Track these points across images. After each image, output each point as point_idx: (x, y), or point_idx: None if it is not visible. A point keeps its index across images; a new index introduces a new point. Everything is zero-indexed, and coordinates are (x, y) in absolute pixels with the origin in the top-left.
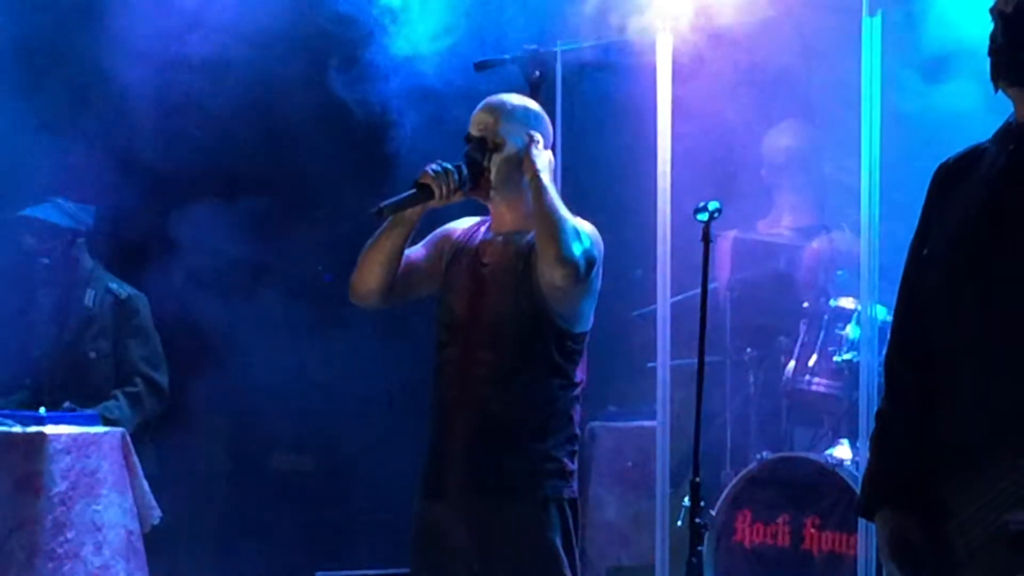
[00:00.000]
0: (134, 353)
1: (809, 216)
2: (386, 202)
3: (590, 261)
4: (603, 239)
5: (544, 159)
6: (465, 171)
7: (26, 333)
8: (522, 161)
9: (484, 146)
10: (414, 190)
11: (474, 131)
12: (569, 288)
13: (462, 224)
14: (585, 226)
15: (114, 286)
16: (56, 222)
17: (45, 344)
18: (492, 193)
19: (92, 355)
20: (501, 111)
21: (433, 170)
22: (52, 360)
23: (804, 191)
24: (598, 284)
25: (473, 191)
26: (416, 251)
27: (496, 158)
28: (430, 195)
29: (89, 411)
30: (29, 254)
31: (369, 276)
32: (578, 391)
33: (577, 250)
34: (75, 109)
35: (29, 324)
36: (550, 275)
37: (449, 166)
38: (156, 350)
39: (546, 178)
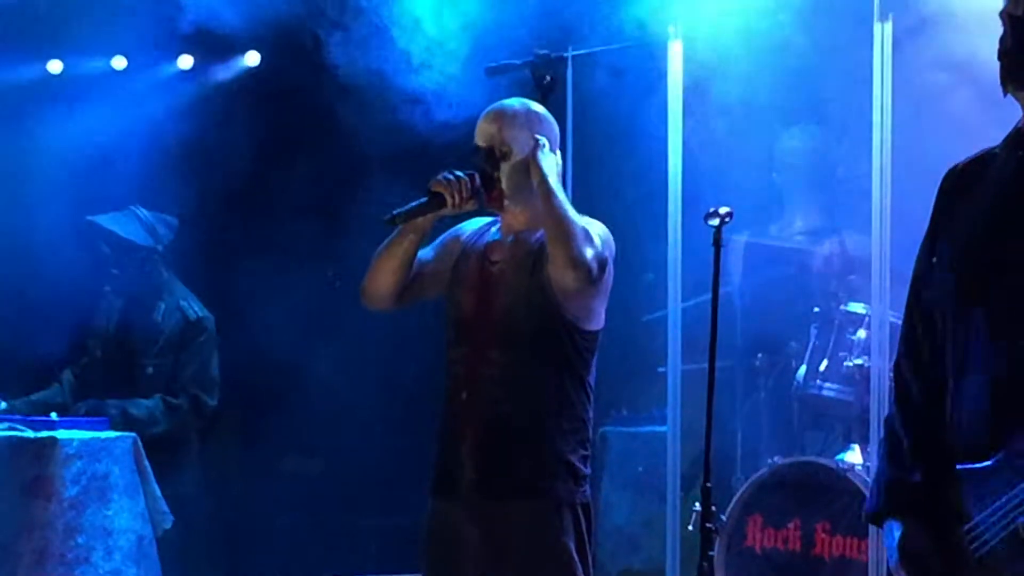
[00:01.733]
0: (187, 371)
1: (820, 220)
2: (399, 210)
3: (602, 263)
4: (614, 243)
5: (550, 162)
6: (478, 181)
7: (91, 329)
8: (529, 166)
9: (492, 156)
10: (426, 198)
11: (480, 142)
12: (582, 290)
13: (472, 224)
14: (596, 226)
15: (185, 304)
16: (132, 239)
17: (106, 343)
18: (506, 203)
19: (150, 370)
20: (504, 118)
21: (445, 178)
22: (109, 362)
23: (815, 194)
24: (610, 283)
25: (488, 203)
26: (426, 253)
27: (505, 167)
28: (442, 203)
29: (114, 403)
30: (103, 262)
31: (381, 281)
32: (590, 392)
33: (588, 253)
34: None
35: (96, 314)
36: (562, 278)
37: (462, 174)
38: (210, 373)
39: (554, 181)
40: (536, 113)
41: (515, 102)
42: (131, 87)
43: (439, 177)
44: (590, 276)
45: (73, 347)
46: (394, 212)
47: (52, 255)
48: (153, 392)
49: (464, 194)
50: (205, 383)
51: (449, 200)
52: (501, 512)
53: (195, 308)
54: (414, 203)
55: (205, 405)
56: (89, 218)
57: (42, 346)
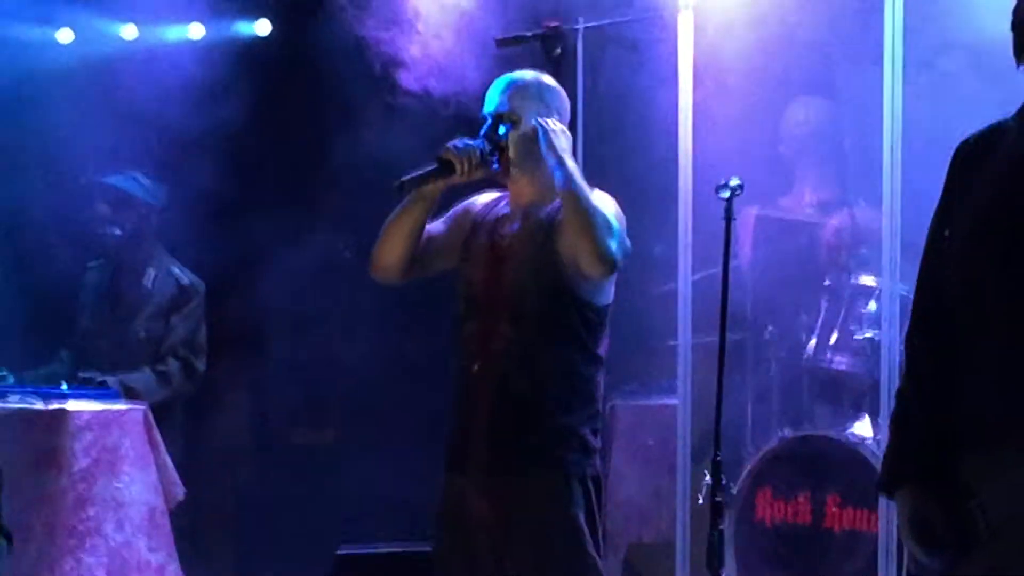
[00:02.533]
0: (177, 334)
1: (830, 192)
2: (407, 176)
3: (626, 252)
4: (625, 216)
5: (563, 141)
6: (486, 148)
7: (78, 298)
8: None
9: (501, 123)
10: (436, 165)
11: (490, 109)
12: (602, 279)
13: (483, 198)
14: (610, 206)
15: (176, 270)
16: (133, 192)
17: (95, 314)
18: (512, 171)
19: (142, 334)
20: (515, 87)
21: (455, 146)
22: (100, 332)
23: (824, 167)
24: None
25: (496, 174)
26: (436, 225)
27: (513, 134)
28: (452, 171)
29: (110, 377)
30: (100, 222)
31: (390, 251)
32: (600, 365)
33: (613, 245)
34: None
35: (83, 289)
36: (586, 268)
37: (471, 143)
38: (199, 338)
39: (571, 164)
40: (547, 85)
41: (527, 73)
42: (142, 55)
43: (448, 145)
44: (615, 268)
45: (67, 325)
46: (403, 179)
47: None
48: (144, 355)
49: (473, 162)
50: (194, 347)
51: (458, 167)
52: (512, 484)
53: (186, 274)
54: (423, 170)
55: (195, 370)
56: (99, 180)
57: (38, 327)
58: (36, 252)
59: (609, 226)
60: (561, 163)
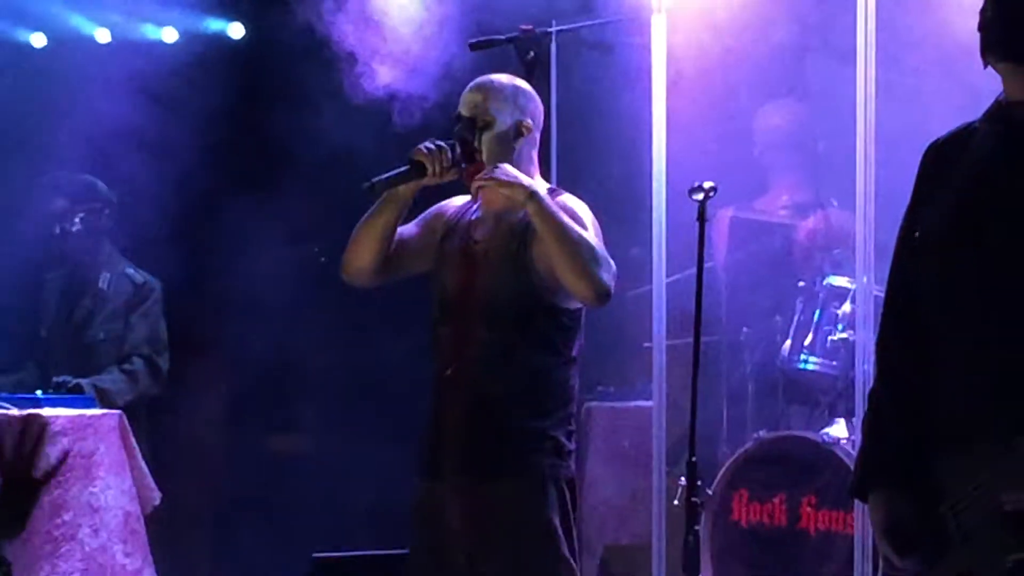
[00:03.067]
0: (138, 334)
1: (805, 194)
2: (378, 178)
3: (614, 276)
4: (599, 219)
5: (523, 178)
6: (458, 150)
7: (37, 310)
8: (512, 142)
9: (473, 124)
10: (407, 167)
11: (463, 111)
12: (592, 305)
13: (455, 202)
14: (586, 215)
15: (131, 271)
16: (90, 186)
17: (54, 323)
18: (484, 172)
19: (101, 336)
20: (490, 90)
21: (426, 147)
22: (59, 339)
23: (799, 169)
24: None
25: (468, 175)
26: (408, 228)
27: (486, 136)
28: (423, 172)
29: (82, 380)
30: (59, 217)
31: (362, 253)
32: (574, 368)
33: (606, 276)
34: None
35: (41, 301)
36: (581, 301)
37: (443, 144)
38: (160, 335)
39: (545, 202)
40: (521, 88)
41: (503, 77)
42: (112, 59)
43: (420, 146)
44: (610, 296)
45: (29, 335)
46: (373, 180)
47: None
48: (107, 357)
49: (444, 163)
50: (156, 345)
51: (429, 169)
52: (486, 488)
53: (141, 274)
54: (394, 171)
55: (159, 368)
56: (59, 173)
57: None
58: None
59: (597, 256)
60: (535, 201)
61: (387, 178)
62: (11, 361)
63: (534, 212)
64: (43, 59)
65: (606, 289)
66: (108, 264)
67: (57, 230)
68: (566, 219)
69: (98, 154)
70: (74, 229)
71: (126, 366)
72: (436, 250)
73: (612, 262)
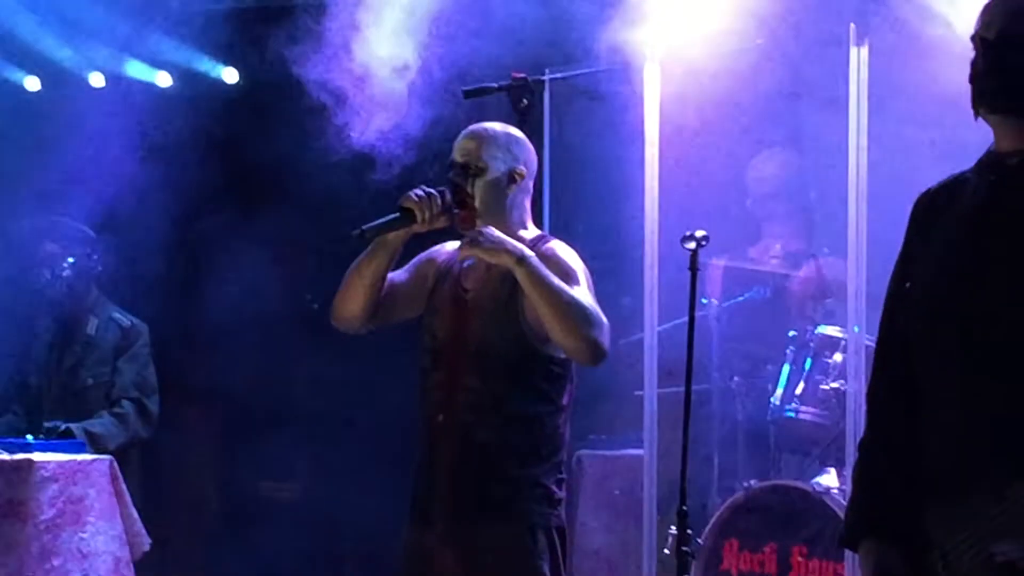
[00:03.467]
0: (126, 377)
1: (798, 243)
2: (368, 225)
3: (607, 333)
4: (590, 266)
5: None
6: (449, 196)
7: (24, 354)
8: (505, 189)
9: (466, 171)
10: (397, 214)
11: (457, 157)
12: (589, 364)
13: (446, 247)
14: (574, 263)
15: (117, 315)
16: (80, 230)
17: (44, 369)
18: (478, 221)
19: (89, 381)
20: (484, 137)
21: (416, 195)
22: (49, 385)
23: (791, 218)
24: None
25: (460, 222)
26: (399, 274)
27: (479, 182)
28: (413, 219)
29: (73, 425)
30: (50, 261)
31: (352, 300)
32: (564, 416)
33: (600, 336)
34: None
35: (29, 347)
36: (577, 361)
37: (433, 191)
38: (149, 378)
39: (533, 264)
40: (515, 137)
41: (496, 125)
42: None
43: (410, 193)
44: (606, 355)
45: (16, 385)
46: (363, 227)
47: None
48: (96, 402)
49: (434, 210)
50: (144, 388)
51: (419, 215)
52: (476, 536)
53: (128, 317)
54: (384, 219)
55: (148, 411)
56: (51, 218)
57: None
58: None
59: (589, 318)
60: (523, 266)
61: (377, 225)
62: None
63: (523, 278)
64: (37, 102)
65: (602, 350)
66: (96, 308)
67: (48, 275)
68: (556, 282)
69: (90, 197)
70: (64, 274)
71: (116, 410)
72: (427, 297)
73: (604, 318)
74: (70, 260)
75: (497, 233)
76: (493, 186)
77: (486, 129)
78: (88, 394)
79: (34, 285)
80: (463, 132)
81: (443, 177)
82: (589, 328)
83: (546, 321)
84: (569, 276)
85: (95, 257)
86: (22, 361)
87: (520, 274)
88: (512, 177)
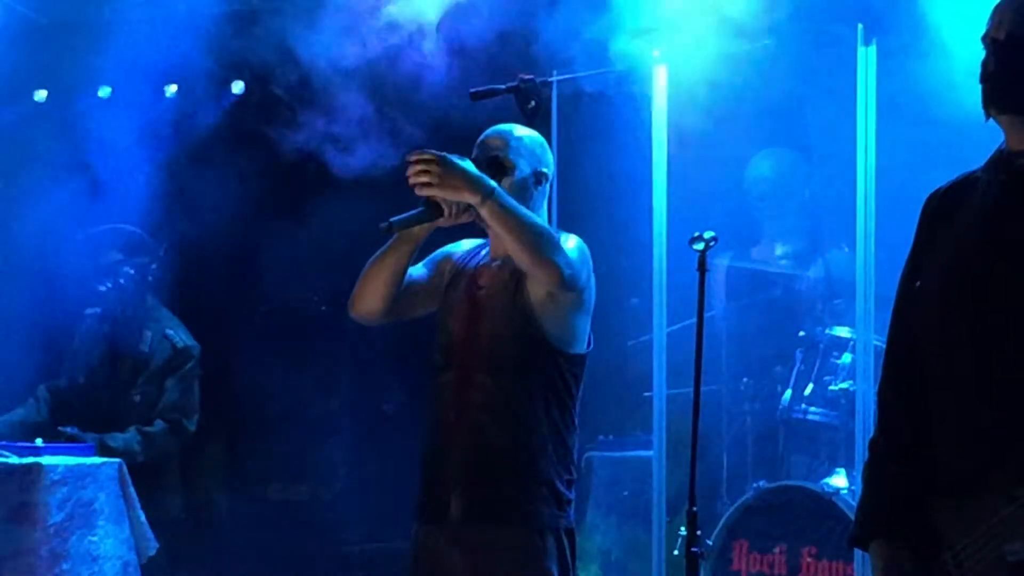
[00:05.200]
0: (170, 397)
1: (802, 243)
2: (395, 218)
3: (577, 267)
4: (599, 268)
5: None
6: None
7: (71, 350)
8: (531, 189)
9: (497, 164)
10: (423, 208)
11: (485, 153)
12: (556, 298)
13: (463, 246)
14: (571, 239)
15: (172, 332)
16: (143, 238)
17: (92, 376)
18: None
19: (137, 399)
20: (511, 137)
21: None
22: (95, 394)
23: (792, 218)
24: (591, 302)
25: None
26: (417, 269)
27: (505, 181)
28: (439, 213)
29: (91, 436)
30: (113, 268)
31: (372, 292)
32: (575, 417)
33: (559, 257)
34: None
35: (77, 342)
36: (533, 287)
37: None
38: (192, 400)
39: (499, 195)
40: (539, 142)
41: (520, 127)
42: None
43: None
44: (564, 278)
45: (48, 363)
46: (391, 220)
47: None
48: (140, 419)
49: (461, 205)
50: (187, 409)
51: (446, 210)
52: (485, 537)
53: (182, 336)
54: (411, 212)
55: (184, 429)
56: (115, 226)
57: (13, 360)
58: (32, 299)
59: (554, 242)
60: (489, 199)
61: (404, 218)
62: (18, 394)
63: (488, 214)
64: (45, 113)
65: (566, 272)
66: (150, 320)
67: (109, 283)
68: (523, 210)
69: (101, 208)
70: (123, 282)
71: (146, 428)
72: (442, 293)
73: (579, 263)
74: (130, 270)
75: (460, 165)
76: (519, 185)
77: (513, 130)
78: (133, 411)
79: (94, 292)
80: (488, 131)
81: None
82: (553, 250)
83: (509, 247)
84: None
85: (153, 267)
86: (63, 354)
87: (485, 211)
88: (537, 178)
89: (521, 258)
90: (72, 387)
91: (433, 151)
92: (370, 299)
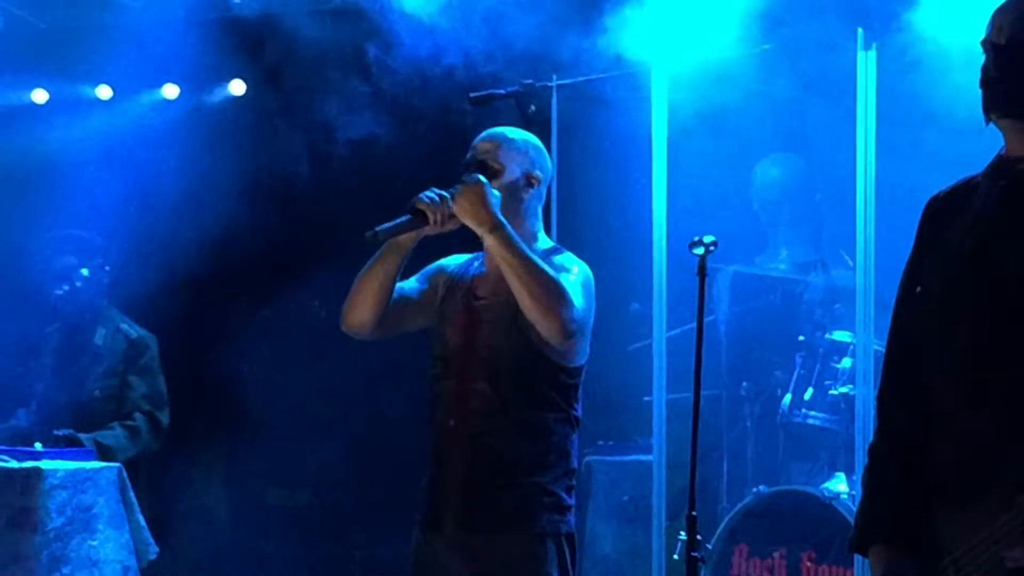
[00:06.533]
0: (137, 391)
1: (805, 249)
2: (381, 227)
3: (583, 318)
4: (599, 273)
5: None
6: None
7: (34, 365)
8: (520, 192)
9: (484, 169)
10: (409, 216)
11: (475, 157)
12: (562, 348)
13: (456, 259)
14: (572, 271)
15: (125, 326)
16: (95, 242)
17: (51, 378)
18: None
19: (97, 393)
20: (502, 139)
21: (428, 197)
22: (56, 396)
23: (797, 224)
24: (591, 321)
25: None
26: (409, 283)
27: (495, 183)
28: (424, 221)
29: (83, 435)
30: (67, 273)
31: (362, 304)
32: (575, 423)
33: (565, 312)
34: None
35: (38, 356)
36: (545, 338)
37: (444, 192)
38: (160, 389)
39: (517, 245)
40: (534, 144)
41: (515, 129)
42: (116, 116)
43: (421, 195)
44: (571, 336)
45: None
46: (376, 229)
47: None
48: (104, 415)
49: (446, 212)
50: (157, 401)
51: (431, 217)
52: (485, 544)
53: (135, 329)
54: (396, 220)
55: (160, 424)
56: (68, 231)
57: None
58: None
59: (560, 292)
60: (501, 229)
61: (389, 227)
62: (1, 409)
63: (493, 245)
64: (44, 115)
65: (569, 328)
66: (103, 319)
67: (66, 286)
68: (529, 253)
69: (97, 209)
70: (79, 285)
71: (128, 423)
72: (437, 307)
73: (577, 302)
74: (84, 272)
75: (483, 192)
76: (509, 188)
77: (505, 132)
78: (95, 406)
79: (49, 297)
80: (482, 134)
81: (458, 178)
82: (558, 303)
83: (515, 292)
84: (566, 270)
85: (106, 268)
86: (29, 369)
87: (491, 241)
88: (528, 181)
89: (524, 305)
90: (40, 395)
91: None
92: (360, 311)
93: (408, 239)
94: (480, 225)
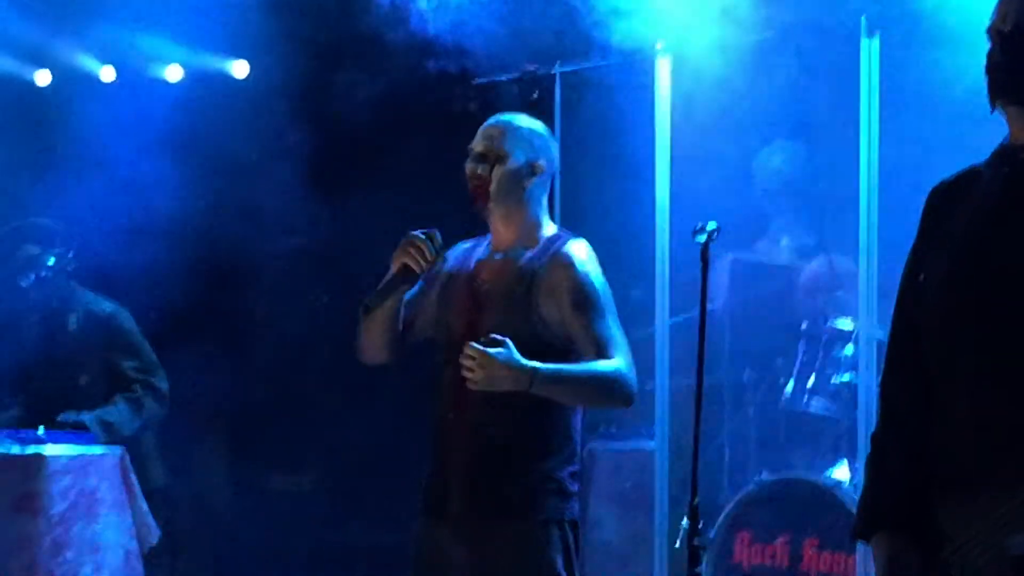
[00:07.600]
0: (126, 367)
1: (807, 236)
2: (370, 299)
3: (630, 392)
4: (602, 260)
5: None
6: (439, 237)
7: (17, 353)
8: (523, 180)
9: (486, 159)
10: (393, 276)
11: (478, 145)
12: None
13: (455, 249)
14: (595, 282)
15: (93, 307)
16: (58, 230)
17: (37, 368)
18: (491, 205)
19: (83, 381)
20: (508, 126)
21: (408, 248)
22: (44, 386)
23: (800, 211)
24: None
25: (476, 202)
26: (415, 294)
27: (498, 170)
28: (410, 272)
29: (85, 415)
30: (31, 263)
31: (371, 346)
32: (577, 410)
33: (627, 390)
34: None
35: (20, 345)
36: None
37: (421, 235)
38: (149, 359)
39: (544, 373)
40: (540, 133)
41: (522, 117)
42: (117, 97)
43: (400, 248)
44: (633, 400)
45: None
46: (366, 302)
47: None
48: (97, 398)
49: (429, 255)
50: (148, 368)
51: (416, 268)
52: (488, 530)
53: (103, 305)
54: (383, 284)
55: (159, 390)
56: (29, 220)
57: None
58: None
59: (614, 382)
60: (538, 383)
61: (380, 293)
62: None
63: (542, 393)
64: (47, 96)
65: (631, 399)
66: (73, 303)
67: (32, 277)
68: (571, 374)
69: (101, 191)
70: (44, 274)
71: (129, 394)
72: (439, 296)
73: (626, 359)
74: (50, 262)
75: (502, 359)
76: (512, 175)
77: (512, 120)
78: (85, 391)
79: (19, 287)
80: (487, 121)
81: (462, 165)
82: (621, 390)
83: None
84: (588, 302)
85: (71, 255)
86: (18, 360)
87: (536, 392)
88: (532, 169)
89: (591, 408)
90: (31, 389)
91: (476, 346)
92: (373, 351)
93: (401, 292)
94: (517, 387)
